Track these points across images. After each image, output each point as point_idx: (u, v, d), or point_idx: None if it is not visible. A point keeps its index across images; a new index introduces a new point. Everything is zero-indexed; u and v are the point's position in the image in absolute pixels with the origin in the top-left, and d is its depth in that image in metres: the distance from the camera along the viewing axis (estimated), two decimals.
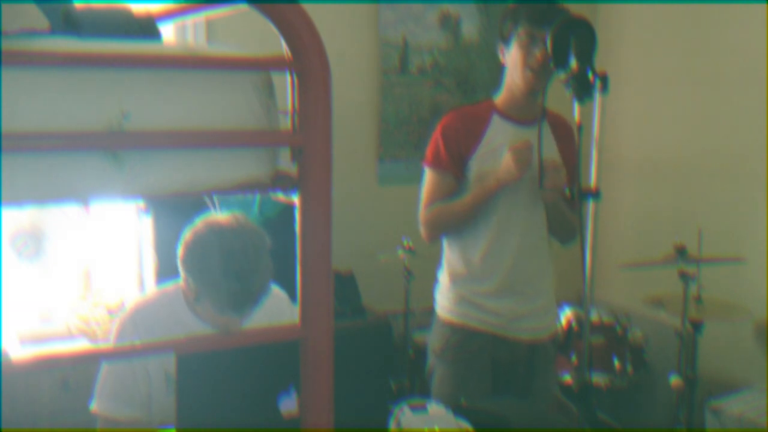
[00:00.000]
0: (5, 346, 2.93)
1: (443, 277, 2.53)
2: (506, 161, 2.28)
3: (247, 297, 1.85)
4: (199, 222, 1.90)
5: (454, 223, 2.42)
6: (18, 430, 2.76)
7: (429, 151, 2.44)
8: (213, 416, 1.42)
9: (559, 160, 2.36)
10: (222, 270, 1.81)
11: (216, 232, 1.86)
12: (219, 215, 1.92)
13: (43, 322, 3.15)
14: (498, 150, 2.36)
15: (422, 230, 2.46)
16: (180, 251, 1.90)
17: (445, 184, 2.41)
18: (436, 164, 2.41)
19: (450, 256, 2.49)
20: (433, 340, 2.53)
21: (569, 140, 2.47)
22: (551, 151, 2.41)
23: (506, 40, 2.34)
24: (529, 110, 2.39)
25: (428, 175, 2.45)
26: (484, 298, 2.43)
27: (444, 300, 2.51)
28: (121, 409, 1.91)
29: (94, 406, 1.93)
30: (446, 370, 2.46)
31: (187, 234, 1.90)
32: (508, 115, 2.40)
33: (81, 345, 3.06)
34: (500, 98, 2.43)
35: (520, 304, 2.43)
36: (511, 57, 2.33)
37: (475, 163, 2.38)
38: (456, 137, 2.38)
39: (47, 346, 3.08)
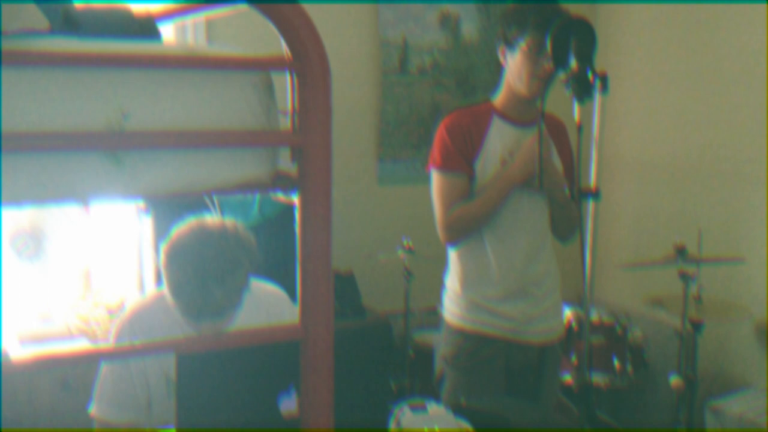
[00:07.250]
0: (5, 346, 2.93)
1: (452, 283, 2.48)
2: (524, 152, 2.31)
3: (205, 308, 1.75)
4: (186, 223, 1.83)
5: (478, 223, 2.36)
6: (18, 430, 2.76)
7: (436, 152, 2.37)
8: (213, 416, 1.42)
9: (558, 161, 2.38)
10: (186, 276, 1.73)
11: (194, 236, 1.78)
12: (209, 219, 1.84)
13: (43, 322, 3.15)
14: (498, 152, 2.35)
15: (444, 234, 2.39)
16: (161, 248, 1.84)
17: (461, 184, 2.35)
18: (447, 165, 2.35)
19: (458, 260, 2.44)
20: (443, 347, 2.49)
21: (564, 140, 2.50)
22: (550, 151, 2.41)
23: (510, 45, 2.29)
24: (528, 112, 2.38)
25: (439, 179, 2.37)
26: (496, 302, 2.40)
27: (454, 306, 2.46)
28: (118, 413, 1.91)
29: (92, 410, 1.93)
30: (459, 377, 2.43)
31: (172, 233, 1.83)
32: (507, 117, 2.38)
33: (81, 345, 3.05)
34: (499, 99, 2.40)
35: (531, 306, 2.42)
36: (516, 64, 2.29)
37: (479, 165, 2.35)
38: (463, 136, 2.34)
39: (47, 346, 3.08)
